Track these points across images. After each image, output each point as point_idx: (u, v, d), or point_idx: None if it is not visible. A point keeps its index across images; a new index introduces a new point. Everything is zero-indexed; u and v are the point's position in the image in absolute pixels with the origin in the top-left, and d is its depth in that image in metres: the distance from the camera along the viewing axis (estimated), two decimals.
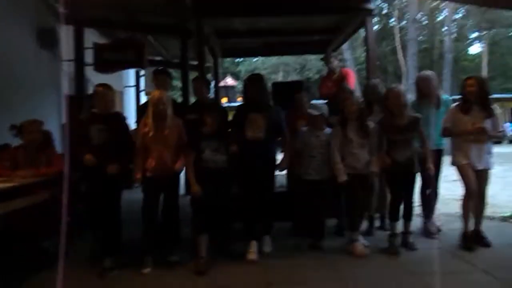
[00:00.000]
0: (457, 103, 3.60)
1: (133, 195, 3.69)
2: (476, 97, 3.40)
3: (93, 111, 3.37)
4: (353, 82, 4.92)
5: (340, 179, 3.43)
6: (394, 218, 3.57)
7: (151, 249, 3.28)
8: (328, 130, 3.65)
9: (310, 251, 3.53)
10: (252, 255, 3.36)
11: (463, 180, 3.50)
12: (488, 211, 4.77)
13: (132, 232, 3.40)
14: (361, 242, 3.52)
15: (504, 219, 4.34)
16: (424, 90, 3.85)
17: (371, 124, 3.54)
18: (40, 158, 3.38)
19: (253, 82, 3.64)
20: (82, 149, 3.15)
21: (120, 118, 3.52)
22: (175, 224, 3.40)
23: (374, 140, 3.49)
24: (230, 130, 3.62)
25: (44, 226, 3.17)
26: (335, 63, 5.05)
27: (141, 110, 3.95)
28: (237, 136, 3.48)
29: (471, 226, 3.55)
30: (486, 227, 4.01)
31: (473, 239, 3.49)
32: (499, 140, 3.62)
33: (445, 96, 4.02)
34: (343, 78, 4.82)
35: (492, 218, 4.43)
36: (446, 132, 3.61)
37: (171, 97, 3.52)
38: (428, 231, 3.85)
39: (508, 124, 22.14)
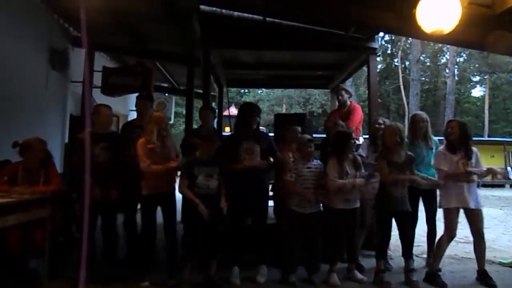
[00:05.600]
0: (442, 146, 3.72)
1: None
2: (458, 139, 3.55)
3: (92, 131, 3.41)
4: (360, 117, 4.92)
5: (358, 181, 3.49)
6: (380, 256, 3.56)
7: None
8: (315, 161, 3.68)
9: (303, 285, 3.43)
10: (236, 279, 3.40)
11: (447, 223, 3.55)
12: (489, 255, 4.70)
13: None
14: (359, 277, 3.54)
15: (504, 264, 4.25)
16: (419, 131, 3.94)
17: (359, 157, 3.70)
18: (39, 175, 3.38)
19: (249, 111, 3.71)
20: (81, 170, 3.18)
21: (120, 137, 3.70)
22: (175, 243, 3.47)
23: (362, 172, 3.62)
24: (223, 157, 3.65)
25: (36, 245, 3.14)
26: (346, 96, 5.05)
27: (125, 128, 4.10)
28: (231, 164, 3.53)
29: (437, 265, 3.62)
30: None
31: (436, 277, 3.52)
32: (481, 178, 3.71)
33: (434, 138, 4.07)
34: (350, 112, 4.86)
35: (492, 263, 4.34)
36: (444, 175, 3.59)
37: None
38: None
39: (510, 168, 22.09)
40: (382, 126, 4.12)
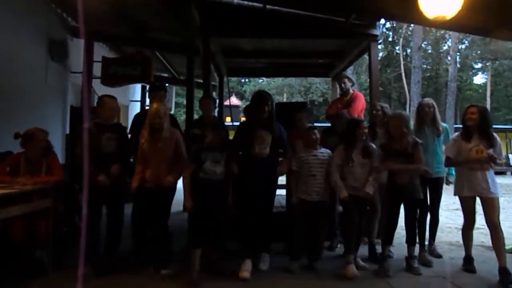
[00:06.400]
0: (458, 132, 3.61)
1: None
2: (477, 126, 3.40)
3: (97, 121, 3.43)
4: (362, 105, 4.85)
5: (342, 195, 3.43)
6: (387, 242, 3.57)
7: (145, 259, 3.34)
8: (322, 149, 3.67)
9: (304, 272, 3.47)
10: (245, 273, 3.28)
11: (464, 211, 3.51)
12: (490, 241, 4.72)
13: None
14: (361, 264, 3.53)
15: (505, 251, 4.26)
16: (426, 117, 3.88)
17: (372, 145, 3.61)
18: (41, 166, 3.39)
19: (264, 99, 3.61)
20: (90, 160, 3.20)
21: (123, 128, 3.69)
22: (166, 236, 3.43)
23: (375, 161, 3.52)
24: (232, 145, 3.65)
25: (40, 235, 3.17)
26: (348, 84, 4.96)
27: (135, 119, 4.05)
28: (242, 151, 3.53)
29: (471, 251, 3.61)
30: (487, 258, 3.97)
31: (472, 262, 3.53)
32: (499, 166, 3.63)
33: (444, 124, 4.04)
34: (352, 100, 4.81)
35: (493, 249, 4.35)
36: (448, 162, 3.63)
37: (169, 110, 3.61)
38: (424, 260, 3.75)
39: (511, 155, 22.05)
40: (380, 112, 4.10)
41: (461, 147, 3.47)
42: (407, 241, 3.59)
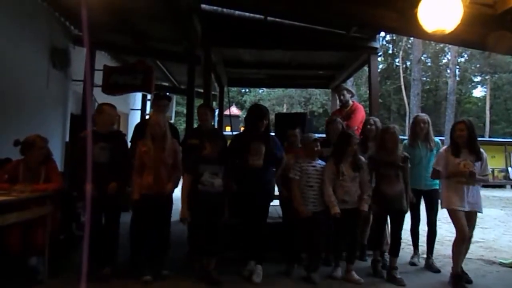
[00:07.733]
0: (446, 146, 3.71)
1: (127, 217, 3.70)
2: (465, 141, 3.48)
3: (94, 130, 3.43)
4: (362, 116, 4.85)
5: (333, 211, 3.45)
6: (376, 247, 3.76)
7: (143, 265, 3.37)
8: (319, 160, 3.68)
9: (301, 284, 3.44)
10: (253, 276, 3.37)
11: (456, 224, 3.47)
12: (489, 255, 4.71)
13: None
14: (356, 278, 3.50)
15: (505, 264, 4.24)
16: (420, 132, 3.97)
17: (362, 158, 3.65)
18: (39, 173, 3.38)
19: (260, 113, 3.67)
20: (81, 169, 3.24)
21: (122, 137, 3.67)
22: (166, 240, 3.50)
23: (366, 175, 3.59)
24: (229, 157, 3.66)
25: (37, 243, 3.14)
26: (348, 96, 5.00)
27: (137, 129, 4.05)
28: (237, 163, 3.53)
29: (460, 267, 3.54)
30: (486, 272, 3.94)
31: (463, 280, 3.46)
32: (484, 183, 3.67)
33: (436, 138, 4.11)
34: (352, 112, 4.83)
35: (492, 263, 4.33)
36: (435, 174, 3.66)
37: (168, 119, 3.68)
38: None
39: (510, 169, 22.02)
40: (373, 127, 4.15)
41: (449, 161, 3.53)
42: (390, 252, 3.65)
